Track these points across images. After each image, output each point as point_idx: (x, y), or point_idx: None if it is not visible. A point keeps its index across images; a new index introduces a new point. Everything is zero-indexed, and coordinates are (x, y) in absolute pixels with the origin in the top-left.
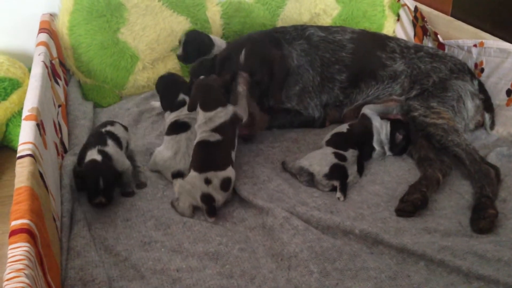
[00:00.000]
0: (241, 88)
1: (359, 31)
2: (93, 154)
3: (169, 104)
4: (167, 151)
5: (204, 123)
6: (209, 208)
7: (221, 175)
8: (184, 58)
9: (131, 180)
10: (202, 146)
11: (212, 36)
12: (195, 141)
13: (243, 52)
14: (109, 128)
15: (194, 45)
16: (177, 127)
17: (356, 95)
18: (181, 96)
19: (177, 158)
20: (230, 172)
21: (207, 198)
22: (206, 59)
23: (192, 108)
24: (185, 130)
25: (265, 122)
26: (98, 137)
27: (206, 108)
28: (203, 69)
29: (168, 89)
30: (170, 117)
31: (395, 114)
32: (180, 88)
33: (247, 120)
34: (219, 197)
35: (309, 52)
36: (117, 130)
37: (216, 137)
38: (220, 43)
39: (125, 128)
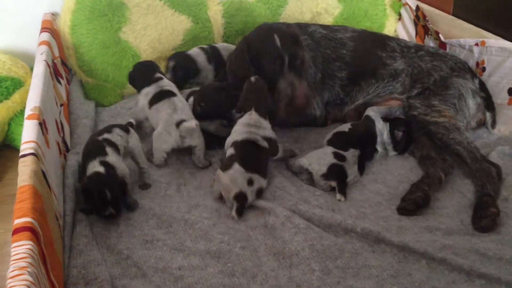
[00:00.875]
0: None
1: (360, 30)
2: (95, 166)
3: (146, 82)
4: (164, 114)
5: (255, 126)
6: (240, 206)
7: (262, 182)
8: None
9: (131, 188)
10: (251, 146)
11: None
12: (238, 138)
13: (275, 36)
14: (106, 135)
15: (183, 69)
16: (164, 94)
17: (357, 93)
18: (158, 75)
19: (178, 113)
20: (264, 182)
21: (242, 197)
22: None
23: (241, 110)
24: (173, 95)
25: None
26: (96, 147)
27: (260, 113)
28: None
29: (146, 69)
30: (149, 90)
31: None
32: (156, 68)
33: (305, 101)
34: (251, 199)
35: (312, 48)
36: (114, 137)
37: (264, 143)
38: (205, 66)
39: (125, 130)
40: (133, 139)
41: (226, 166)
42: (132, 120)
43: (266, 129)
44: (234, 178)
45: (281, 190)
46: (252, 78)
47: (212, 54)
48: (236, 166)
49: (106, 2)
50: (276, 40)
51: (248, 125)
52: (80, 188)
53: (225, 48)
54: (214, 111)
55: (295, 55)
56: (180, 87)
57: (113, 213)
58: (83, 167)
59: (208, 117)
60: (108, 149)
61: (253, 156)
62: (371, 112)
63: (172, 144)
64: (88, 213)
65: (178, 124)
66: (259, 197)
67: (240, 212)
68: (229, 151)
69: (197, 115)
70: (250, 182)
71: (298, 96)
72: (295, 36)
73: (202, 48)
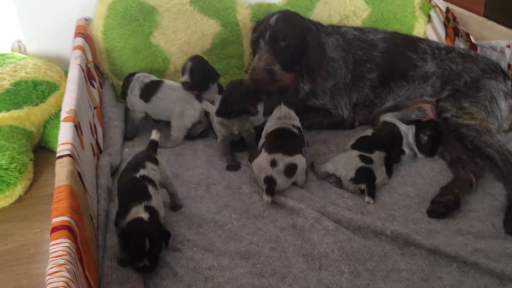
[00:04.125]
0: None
1: (390, 32)
2: (139, 211)
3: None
4: (178, 95)
5: (285, 118)
6: (268, 187)
7: (288, 160)
8: (190, 85)
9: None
10: (278, 133)
11: None
12: (269, 130)
13: (275, 16)
14: (142, 172)
15: (201, 71)
16: (155, 84)
17: (386, 95)
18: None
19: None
20: (297, 159)
21: (269, 180)
22: None
23: (269, 113)
24: (163, 81)
25: (289, 79)
26: (139, 188)
27: (290, 105)
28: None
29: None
30: (132, 88)
31: (420, 120)
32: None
33: (265, 75)
34: (281, 181)
35: (344, 48)
36: (150, 172)
37: (294, 129)
38: None
39: (155, 162)
40: (163, 168)
41: (256, 154)
42: (153, 135)
43: (296, 119)
44: (260, 164)
45: (309, 192)
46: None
47: None
48: (262, 153)
49: (138, 7)
50: (271, 19)
51: (278, 118)
52: (119, 235)
53: None
54: (236, 105)
55: (279, 35)
56: (200, 89)
57: (147, 266)
58: (122, 209)
59: (231, 112)
60: (151, 190)
61: (279, 139)
62: (386, 117)
63: (196, 118)
64: (126, 266)
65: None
66: (291, 174)
67: (269, 191)
68: (261, 142)
69: (221, 112)
70: (273, 163)
71: (252, 69)
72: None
73: None
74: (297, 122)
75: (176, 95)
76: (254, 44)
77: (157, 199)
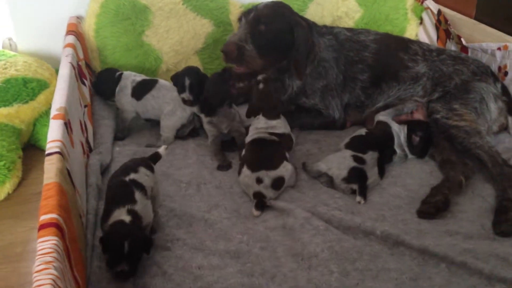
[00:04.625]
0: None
1: (382, 34)
2: (121, 214)
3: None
4: (171, 96)
5: (263, 128)
6: (258, 202)
7: (273, 174)
8: (192, 102)
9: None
10: (257, 144)
11: None
12: (249, 139)
13: (265, 2)
14: (133, 176)
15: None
16: (148, 82)
17: (378, 95)
18: (117, 73)
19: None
20: (283, 170)
21: (259, 195)
22: None
23: (251, 116)
24: (157, 80)
25: (259, 64)
26: (125, 192)
27: (270, 117)
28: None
29: (109, 75)
30: (122, 87)
31: (410, 113)
32: (113, 71)
33: (234, 50)
34: (271, 194)
35: (336, 48)
36: (141, 177)
37: (273, 138)
38: None
39: (150, 169)
40: (157, 178)
41: (240, 168)
42: (161, 150)
43: (276, 127)
44: (245, 181)
45: (299, 192)
46: (261, 84)
47: None
48: (244, 169)
49: (130, 5)
50: (260, 4)
51: (256, 129)
52: (100, 239)
53: None
54: (215, 95)
55: (261, 19)
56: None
57: (125, 270)
58: (106, 211)
59: (214, 105)
60: (138, 195)
61: (259, 154)
62: (380, 117)
63: (186, 119)
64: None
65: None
66: (279, 187)
67: (259, 207)
68: (243, 152)
69: (204, 108)
70: (259, 181)
71: (225, 43)
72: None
73: None
74: (277, 129)
75: (170, 96)
76: (238, 22)
77: (143, 204)
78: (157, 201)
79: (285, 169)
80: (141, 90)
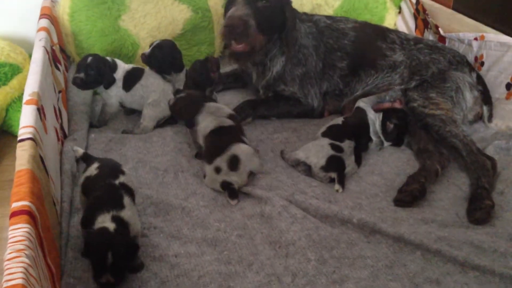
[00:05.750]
0: None
1: (361, 22)
2: (105, 221)
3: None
4: (158, 86)
5: (216, 111)
6: (229, 192)
7: (225, 157)
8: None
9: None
10: (215, 133)
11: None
12: (207, 131)
13: None
14: (122, 179)
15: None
16: (136, 72)
17: (356, 83)
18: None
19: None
20: (236, 150)
21: (226, 185)
22: None
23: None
24: (143, 70)
25: (260, 41)
26: (112, 196)
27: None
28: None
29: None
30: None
31: (393, 101)
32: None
33: (241, 23)
34: (235, 178)
35: (316, 36)
36: (129, 179)
37: (229, 122)
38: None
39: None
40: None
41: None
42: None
43: (225, 108)
44: (209, 180)
45: (277, 181)
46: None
47: None
48: (206, 167)
49: None
50: None
51: (211, 113)
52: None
53: None
54: (196, 82)
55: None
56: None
57: (110, 281)
58: (91, 213)
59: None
60: (126, 200)
61: (213, 143)
62: (361, 103)
63: (168, 113)
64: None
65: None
66: (236, 167)
67: (232, 195)
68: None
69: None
70: (217, 170)
71: (228, 17)
72: None
73: None
74: (227, 109)
75: (157, 84)
76: (229, 3)
77: (132, 211)
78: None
79: (239, 149)
80: (131, 80)
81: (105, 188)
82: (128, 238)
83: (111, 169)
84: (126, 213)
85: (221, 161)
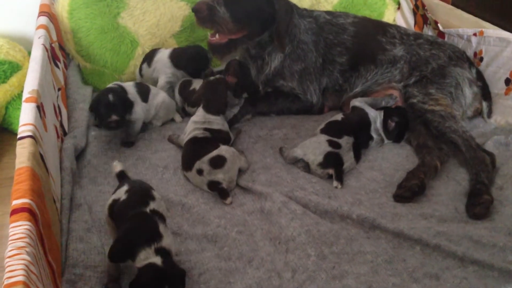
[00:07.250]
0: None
1: (361, 17)
2: (149, 256)
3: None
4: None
5: (200, 122)
6: (218, 192)
7: (207, 157)
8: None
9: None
10: (190, 143)
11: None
12: (187, 138)
13: None
14: (152, 206)
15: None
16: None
17: (355, 79)
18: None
19: None
20: (218, 151)
21: (213, 185)
22: None
23: (195, 104)
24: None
25: (232, 30)
26: (148, 227)
27: (209, 111)
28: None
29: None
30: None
31: (396, 102)
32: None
33: (204, 9)
34: (221, 176)
35: (316, 32)
36: (160, 205)
37: (206, 134)
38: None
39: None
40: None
41: None
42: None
43: (213, 123)
44: (194, 181)
45: (277, 177)
46: (213, 77)
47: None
48: (188, 174)
49: None
50: None
51: (194, 122)
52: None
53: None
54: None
55: None
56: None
57: None
58: (127, 248)
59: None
60: (161, 228)
61: (189, 152)
62: (356, 102)
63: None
64: None
65: None
66: (220, 165)
67: (223, 195)
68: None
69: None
70: (199, 172)
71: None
72: None
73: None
74: (215, 125)
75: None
76: None
77: (169, 237)
78: None
79: (224, 150)
80: (144, 92)
81: (138, 218)
82: (177, 267)
83: (141, 195)
84: (166, 242)
85: (201, 163)
